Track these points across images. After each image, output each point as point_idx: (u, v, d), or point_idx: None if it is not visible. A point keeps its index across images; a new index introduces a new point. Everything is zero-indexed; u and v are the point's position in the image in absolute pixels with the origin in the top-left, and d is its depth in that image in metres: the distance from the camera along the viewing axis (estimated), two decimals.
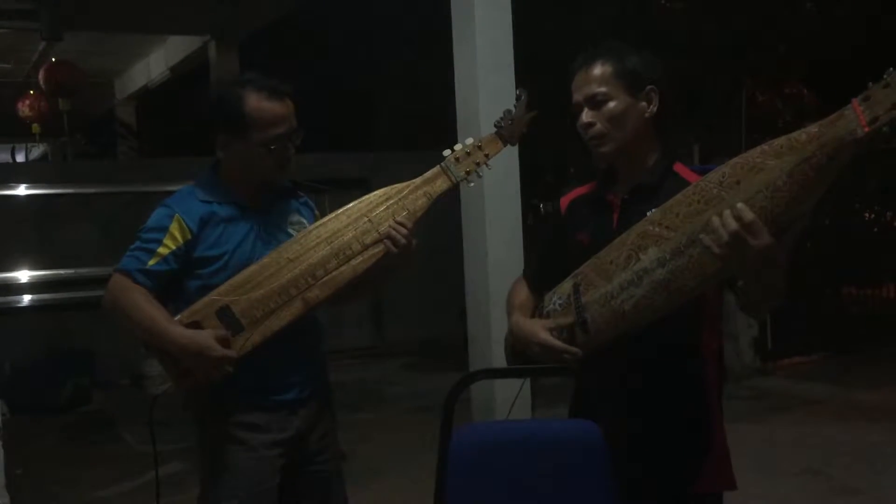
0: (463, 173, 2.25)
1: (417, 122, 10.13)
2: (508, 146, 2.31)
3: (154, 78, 11.98)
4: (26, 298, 7.97)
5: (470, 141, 2.28)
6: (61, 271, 7.88)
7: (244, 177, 2.30)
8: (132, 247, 2.24)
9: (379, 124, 11.76)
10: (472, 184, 2.29)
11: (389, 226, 2.21)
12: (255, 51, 10.55)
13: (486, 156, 2.27)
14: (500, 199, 5.49)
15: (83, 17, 8.77)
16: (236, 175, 2.30)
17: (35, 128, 11.68)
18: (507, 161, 5.47)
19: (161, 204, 2.27)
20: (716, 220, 1.70)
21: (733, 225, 1.66)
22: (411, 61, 10.11)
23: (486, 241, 5.49)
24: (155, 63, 11.80)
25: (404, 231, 2.20)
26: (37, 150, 14.33)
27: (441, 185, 2.25)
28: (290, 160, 2.28)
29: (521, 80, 5.29)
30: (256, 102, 2.20)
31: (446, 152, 2.27)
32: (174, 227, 2.20)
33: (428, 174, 2.27)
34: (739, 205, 1.68)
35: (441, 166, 2.26)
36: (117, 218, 7.67)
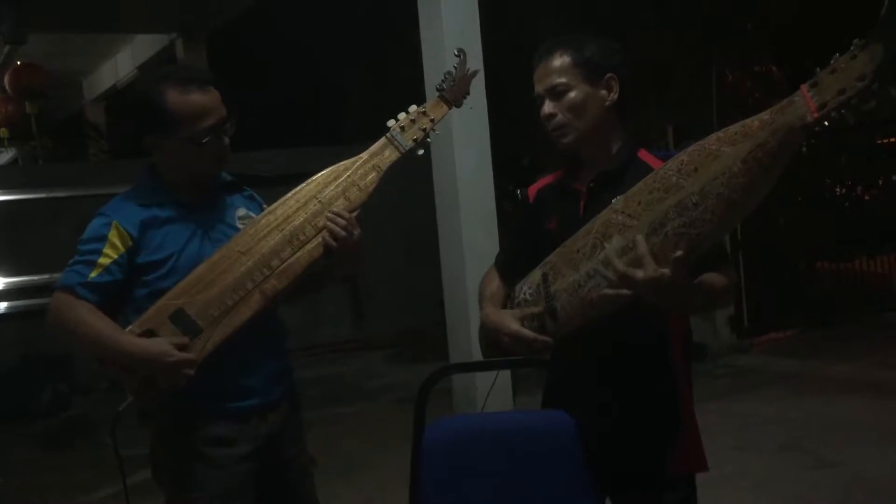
0: (410, 141, 2.18)
1: (389, 116, 10.09)
2: (456, 110, 2.26)
3: (122, 78, 11.86)
4: (1, 305, 7.90)
5: (413, 108, 2.22)
6: (35, 277, 7.80)
7: (182, 175, 2.17)
8: (71, 261, 2.10)
9: (349, 118, 11.71)
10: (420, 151, 2.22)
11: (325, 217, 2.08)
12: (223, 47, 10.47)
13: (433, 121, 2.20)
14: (473, 186, 5.50)
15: (47, 18, 8.66)
16: (173, 174, 2.17)
17: (3, 132, 11.58)
18: (479, 148, 5.49)
19: (97, 213, 2.15)
20: (611, 256, 1.79)
21: (620, 266, 1.75)
22: (381, 54, 10.07)
23: (461, 230, 5.50)
24: (122, 62, 11.69)
25: (342, 222, 2.09)
26: (6, 155, 14.17)
27: (389, 156, 2.18)
28: (226, 151, 2.15)
29: (489, 63, 5.30)
30: (178, 96, 2.06)
31: (390, 122, 2.21)
32: (113, 236, 2.08)
33: (374, 147, 2.19)
34: (639, 237, 1.75)
35: (387, 137, 2.19)
36: (90, 221, 7.60)
